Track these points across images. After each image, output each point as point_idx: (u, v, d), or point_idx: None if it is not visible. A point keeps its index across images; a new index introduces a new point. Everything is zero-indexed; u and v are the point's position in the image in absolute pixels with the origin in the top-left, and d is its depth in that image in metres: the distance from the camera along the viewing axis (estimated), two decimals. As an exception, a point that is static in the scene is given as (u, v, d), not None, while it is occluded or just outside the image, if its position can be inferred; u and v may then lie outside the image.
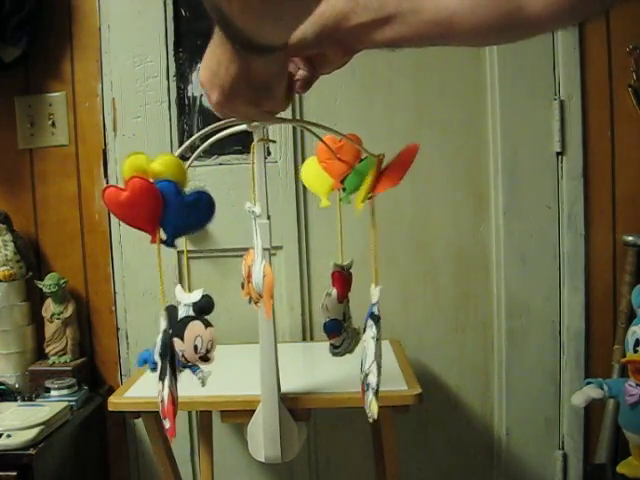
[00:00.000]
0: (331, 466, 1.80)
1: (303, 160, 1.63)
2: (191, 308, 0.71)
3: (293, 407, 1.18)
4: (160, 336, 0.68)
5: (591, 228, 1.72)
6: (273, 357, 1.13)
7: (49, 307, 1.68)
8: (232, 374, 1.42)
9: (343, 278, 1.03)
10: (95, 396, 1.67)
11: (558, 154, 1.71)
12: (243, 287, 0.98)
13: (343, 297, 1.03)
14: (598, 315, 1.73)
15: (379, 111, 1.73)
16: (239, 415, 1.22)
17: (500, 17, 0.65)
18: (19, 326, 1.67)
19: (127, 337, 1.78)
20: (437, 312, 1.77)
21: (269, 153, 1.73)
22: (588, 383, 1.49)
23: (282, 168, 1.72)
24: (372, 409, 0.80)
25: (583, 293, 1.72)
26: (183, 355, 0.71)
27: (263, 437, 1.15)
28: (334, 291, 1.02)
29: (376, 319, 0.81)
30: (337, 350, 1.07)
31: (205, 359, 0.73)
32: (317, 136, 0.99)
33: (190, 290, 0.81)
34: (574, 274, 1.72)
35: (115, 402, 1.27)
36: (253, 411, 1.16)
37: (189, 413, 1.74)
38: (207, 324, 0.71)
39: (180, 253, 1.75)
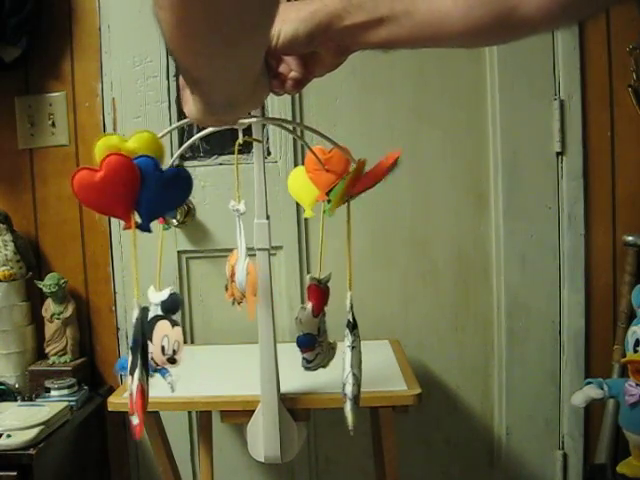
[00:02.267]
0: (331, 466, 1.80)
1: (303, 160, 1.63)
2: (159, 307, 0.69)
3: (293, 407, 1.18)
4: (133, 329, 0.66)
5: (591, 228, 1.72)
6: (273, 357, 1.13)
7: (49, 307, 1.68)
8: (232, 374, 1.42)
9: (320, 292, 1.01)
10: (95, 396, 1.66)
11: (558, 154, 1.71)
12: (227, 289, 0.98)
13: (319, 311, 1.01)
14: (598, 315, 1.73)
15: (379, 111, 1.73)
16: (239, 415, 1.22)
17: (493, 18, 0.65)
18: (19, 326, 1.67)
19: (127, 337, 1.77)
20: (437, 312, 1.77)
21: (269, 153, 1.73)
22: (588, 383, 1.49)
23: (282, 168, 1.72)
24: (348, 420, 0.79)
25: (583, 293, 1.72)
26: (152, 358, 0.68)
27: (263, 437, 1.15)
28: (309, 305, 1.00)
29: (351, 327, 0.79)
30: (309, 365, 1.06)
31: (172, 361, 0.69)
32: (307, 145, 0.98)
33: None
34: (574, 274, 1.72)
35: (115, 402, 1.27)
36: (253, 411, 1.16)
37: (189, 413, 1.74)
38: (174, 323, 0.68)
39: (180, 253, 1.76)
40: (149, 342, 0.68)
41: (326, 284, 1.00)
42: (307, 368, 1.03)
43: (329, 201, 0.98)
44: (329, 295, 1.01)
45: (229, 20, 0.43)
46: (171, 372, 0.69)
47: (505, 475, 1.78)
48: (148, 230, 0.66)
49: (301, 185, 1.01)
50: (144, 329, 0.68)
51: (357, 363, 0.78)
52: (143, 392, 0.64)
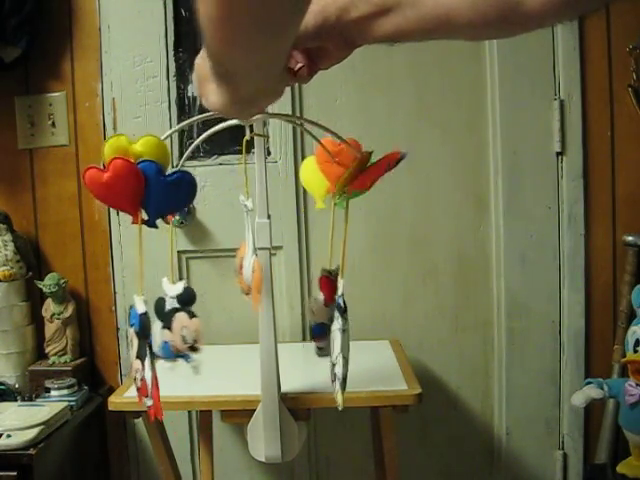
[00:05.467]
0: (331, 466, 1.80)
1: (303, 160, 1.64)
2: (176, 300, 0.72)
3: (293, 407, 1.18)
4: (137, 318, 0.69)
5: (591, 228, 1.72)
6: (273, 357, 1.13)
7: (49, 307, 1.68)
8: (232, 374, 1.42)
9: (330, 283, 1.04)
10: (95, 396, 1.67)
11: (558, 154, 1.71)
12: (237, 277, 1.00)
13: (330, 301, 1.04)
14: (598, 315, 1.73)
15: (379, 111, 1.73)
16: (239, 415, 1.22)
17: (499, 12, 0.66)
18: (19, 326, 1.67)
19: (127, 337, 1.77)
20: (437, 312, 1.77)
21: (269, 153, 1.73)
22: (588, 383, 1.49)
23: (282, 168, 1.72)
24: (337, 400, 0.82)
25: (583, 293, 1.72)
26: (174, 345, 0.73)
27: (263, 437, 1.15)
28: (321, 295, 1.03)
29: (341, 310, 0.82)
30: (323, 352, 1.09)
31: (194, 349, 0.74)
32: (316, 138, 0.99)
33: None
34: (574, 274, 1.72)
35: (115, 402, 1.27)
36: (253, 411, 1.16)
37: (189, 413, 1.74)
38: (192, 315, 0.72)
39: (180, 253, 1.76)
40: (168, 332, 0.72)
41: (335, 275, 1.02)
42: (320, 355, 1.06)
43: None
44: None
45: (273, 12, 0.45)
46: (192, 357, 0.73)
47: (505, 475, 1.78)
48: (154, 226, 0.70)
49: (312, 176, 1.01)
50: (164, 324, 0.71)
51: (346, 346, 0.82)
52: (158, 384, 0.69)
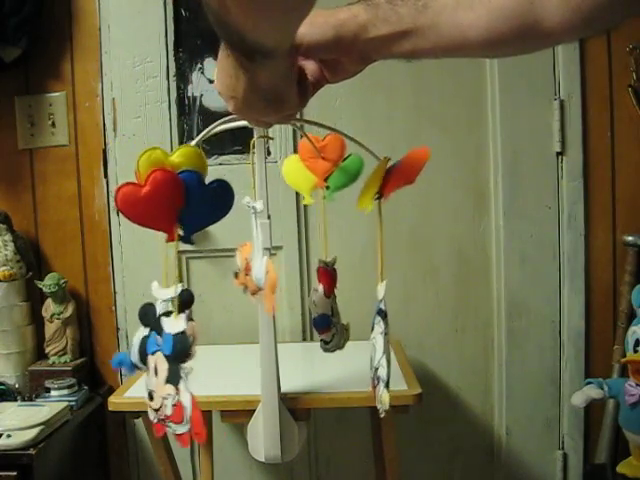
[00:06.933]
0: (331, 466, 1.80)
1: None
2: (169, 304, 0.69)
3: (293, 407, 1.18)
4: (170, 339, 0.66)
5: (591, 228, 1.72)
6: (273, 357, 1.13)
7: (49, 307, 1.68)
8: (232, 374, 1.42)
9: (328, 274, 1.05)
10: (95, 396, 1.66)
11: (558, 154, 1.71)
12: (237, 276, 0.99)
13: (330, 292, 1.05)
14: (598, 315, 1.73)
15: (379, 111, 1.73)
16: (239, 415, 1.22)
17: (516, 32, 0.66)
18: (19, 326, 1.67)
19: (127, 337, 1.77)
20: (437, 312, 1.77)
21: (269, 153, 1.73)
22: (588, 383, 1.49)
23: (282, 168, 1.72)
24: (383, 401, 0.80)
25: (583, 293, 1.72)
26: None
27: (263, 437, 1.15)
28: (320, 287, 1.04)
29: (383, 315, 0.82)
30: (328, 346, 1.09)
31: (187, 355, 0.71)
32: (304, 133, 0.99)
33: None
34: (574, 274, 1.72)
35: (115, 402, 1.27)
36: (253, 411, 1.16)
37: (189, 413, 1.74)
38: (189, 319, 0.69)
39: (180, 253, 1.75)
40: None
41: (333, 266, 1.03)
42: (326, 350, 1.07)
43: (327, 187, 1.00)
44: (337, 277, 1.05)
45: None
46: (184, 365, 0.70)
47: (505, 475, 1.78)
48: (191, 242, 0.67)
49: (297, 173, 1.03)
50: (155, 330, 0.68)
51: (387, 348, 0.81)
52: (196, 403, 0.65)
